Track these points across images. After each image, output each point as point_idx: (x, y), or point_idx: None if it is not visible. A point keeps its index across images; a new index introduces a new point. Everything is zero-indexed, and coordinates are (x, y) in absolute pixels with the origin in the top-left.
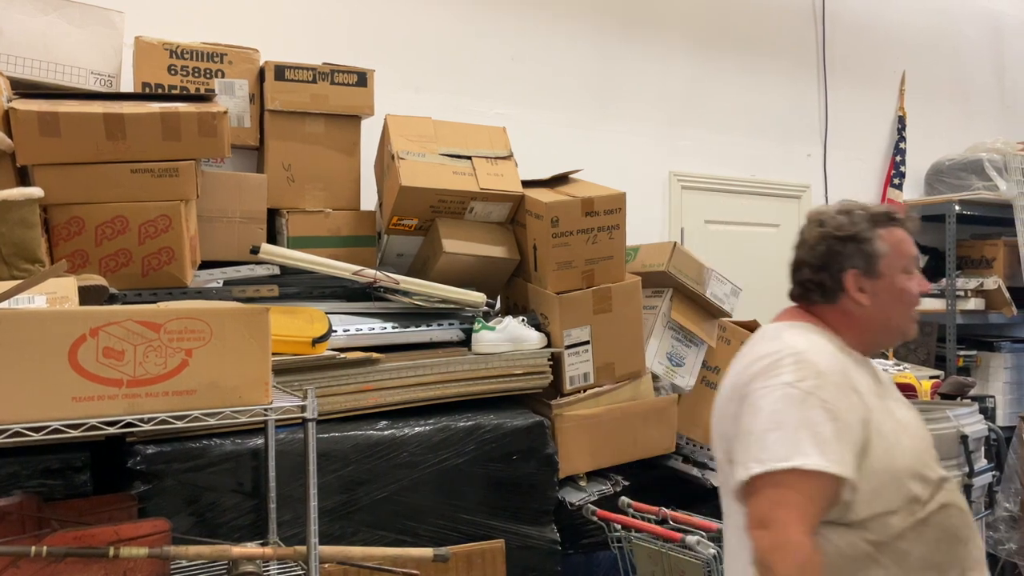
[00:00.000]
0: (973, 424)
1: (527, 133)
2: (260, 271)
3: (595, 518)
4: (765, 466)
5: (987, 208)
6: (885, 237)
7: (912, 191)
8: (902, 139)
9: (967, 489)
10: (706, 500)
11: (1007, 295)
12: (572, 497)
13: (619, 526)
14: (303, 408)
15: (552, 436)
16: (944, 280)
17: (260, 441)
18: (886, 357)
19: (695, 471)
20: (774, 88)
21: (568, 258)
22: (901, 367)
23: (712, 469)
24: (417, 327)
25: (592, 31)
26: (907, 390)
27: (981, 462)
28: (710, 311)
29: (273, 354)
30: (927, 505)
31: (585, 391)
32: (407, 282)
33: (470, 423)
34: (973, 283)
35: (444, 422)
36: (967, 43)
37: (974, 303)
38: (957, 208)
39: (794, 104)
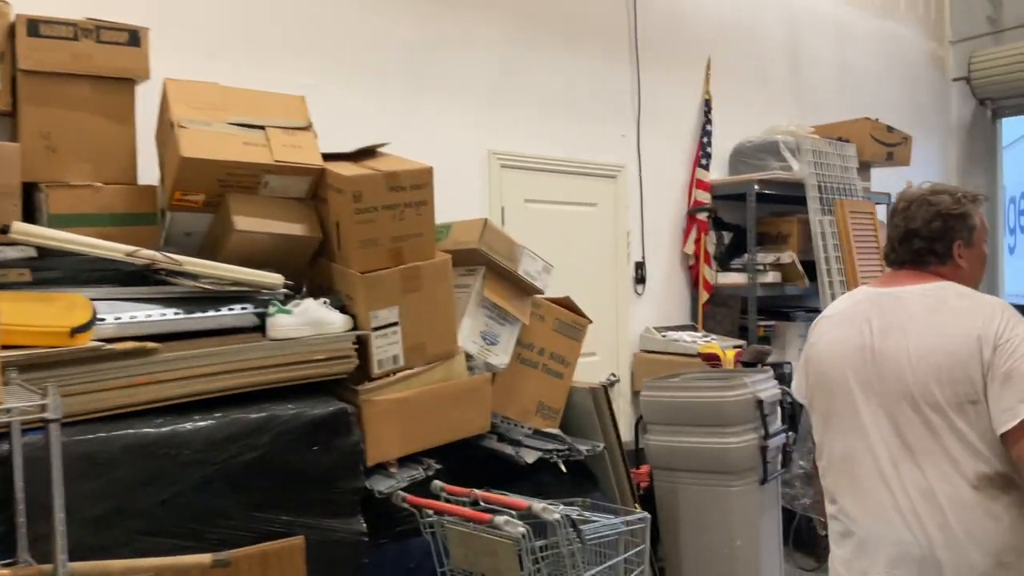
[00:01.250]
0: (768, 389)
1: (336, 107)
2: (12, 253)
3: (405, 504)
4: None
5: (783, 187)
6: (977, 215)
7: (718, 171)
8: (708, 121)
9: (762, 451)
10: (523, 478)
11: (800, 268)
12: (381, 485)
13: (431, 511)
14: (43, 408)
15: (359, 423)
16: (745, 255)
17: (6, 447)
18: (695, 329)
19: (510, 449)
20: (590, 69)
21: (373, 235)
22: (708, 338)
23: (527, 446)
24: (204, 312)
25: (408, 3)
26: (711, 359)
27: (776, 424)
28: (523, 288)
29: (20, 347)
30: None
31: (395, 374)
32: (191, 263)
33: (263, 415)
34: (771, 258)
35: (234, 415)
36: (766, 32)
37: (772, 276)
38: (756, 187)
39: (609, 85)
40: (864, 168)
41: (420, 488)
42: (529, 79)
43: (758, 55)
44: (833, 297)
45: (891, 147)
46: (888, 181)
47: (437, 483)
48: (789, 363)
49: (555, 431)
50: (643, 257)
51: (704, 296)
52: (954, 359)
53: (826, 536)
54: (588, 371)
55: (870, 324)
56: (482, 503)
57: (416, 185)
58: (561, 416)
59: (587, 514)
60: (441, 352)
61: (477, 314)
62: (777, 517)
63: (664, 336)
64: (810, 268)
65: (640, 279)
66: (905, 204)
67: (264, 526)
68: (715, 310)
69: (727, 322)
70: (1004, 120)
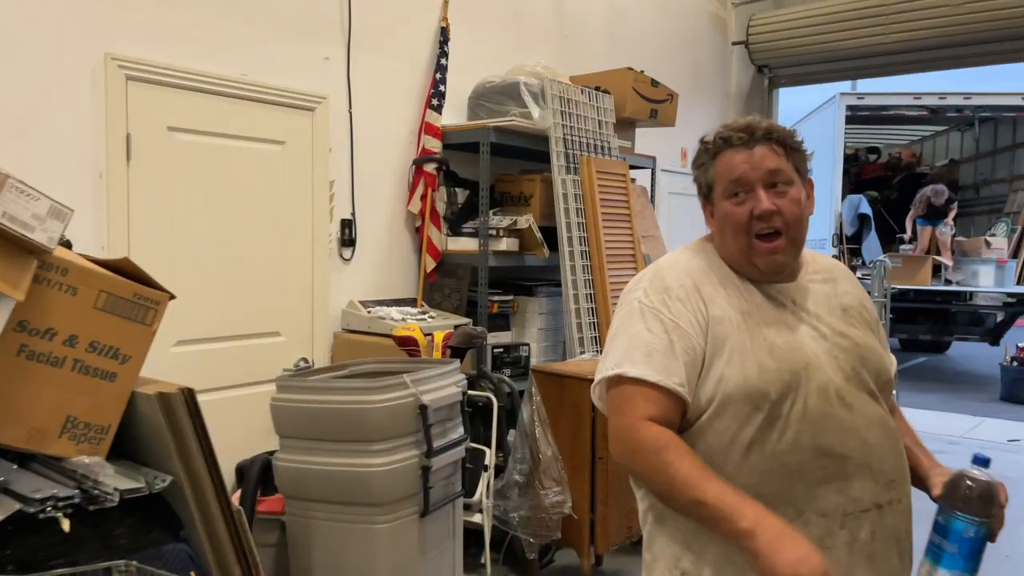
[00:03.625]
0: (443, 389)
1: None
2: None
3: None
4: (604, 374)
5: (529, 139)
6: (717, 164)
7: (456, 116)
8: (444, 54)
9: (424, 473)
10: (40, 529)
11: (538, 235)
12: None
13: None
14: None
15: None
16: (479, 218)
17: None
18: (415, 304)
19: None
20: None
21: None
22: (427, 316)
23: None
24: None
25: None
26: (408, 344)
27: (453, 435)
28: (16, 244)
29: None
30: (760, 432)
31: None
32: None
33: None
34: (506, 221)
35: None
36: None
37: (507, 243)
38: (493, 137)
39: None
40: (628, 126)
41: None
42: None
43: None
44: (574, 271)
45: (655, 104)
46: (655, 144)
47: None
48: (527, 345)
49: (88, 461)
50: (353, 214)
51: (430, 264)
52: None
53: (536, 559)
54: (274, 356)
55: None
56: None
57: None
58: (111, 436)
59: None
60: None
61: None
62: (454, 554)
63: (369, 312)
64: (551, 235)
65: (348, 241)
66: None
67: None
68: (443, 281)
69: (455, 296)
70: (788, 97)
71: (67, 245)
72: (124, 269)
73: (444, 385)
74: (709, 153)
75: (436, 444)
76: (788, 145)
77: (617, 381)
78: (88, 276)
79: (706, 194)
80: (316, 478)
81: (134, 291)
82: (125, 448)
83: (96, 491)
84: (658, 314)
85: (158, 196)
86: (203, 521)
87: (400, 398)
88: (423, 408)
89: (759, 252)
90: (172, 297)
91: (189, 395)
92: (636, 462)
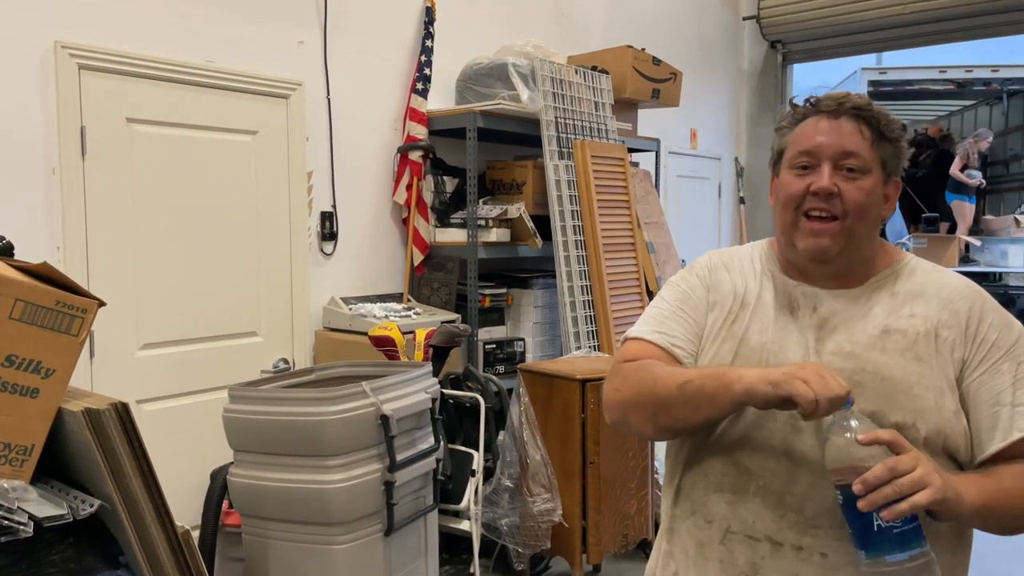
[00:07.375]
0: (410, 396)
1: None
2: None
3: None
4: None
5: (519, 124)
6: (797, 129)
7: (443, 100)
8: (429, 35)
9: (387, 488)
10: None
11: (530, 225)
12: None
13: None
14: None
15: None
16: (468, 207)
17: None
18: (401, 300)
19: None
20: None
21: None
22: (412, 312)
23: None
24: None
25: None
26: (385, 344)
27: (422, 445)
28: None
29: None
30: (723, 432)
31: None
32: None
33: None
34: (496, 211)
35: None
36: None
37: (497, 234)
38: (480, 122)
39: None
40: (630, 108)
41: None
42: None
43: None
44: (568, 261)
45: (658, 83)
46: (663, 125)
47: None
48: (522, 340)
49: (7, 485)
50: (334, 206)
51: (418, 257)
52: None
53: (527, 570)
54: (251, 357)
55: None
56: None
57: None
58: (36, 457)
59: None
60: None
61: None
62: (427, 572)
63: (351, 309)
64: (544, 224)
65: (329, 234)
66: None
67: None
68: (432, 275)
69: (445, 290)
70: (804, 74)
71: (8, 249)
72: (45, 274)
73: (411, 392)
74: (794, 116)
75: (401, 456)
76: (881, 132)
77: (623, 342)
78: (1, 284)
79: (775, 161)
80: (271, 495)
81: (56, 298)
82: (59, 467)
83: (7, 521)
84: (674, 285)
85: (118, 192)
86: (141, 545)
87: (358, 408)
88: (384, 419)
89: (803, 231)
90: (102, 304)
91: (123, 410)
92: (622, 388)
